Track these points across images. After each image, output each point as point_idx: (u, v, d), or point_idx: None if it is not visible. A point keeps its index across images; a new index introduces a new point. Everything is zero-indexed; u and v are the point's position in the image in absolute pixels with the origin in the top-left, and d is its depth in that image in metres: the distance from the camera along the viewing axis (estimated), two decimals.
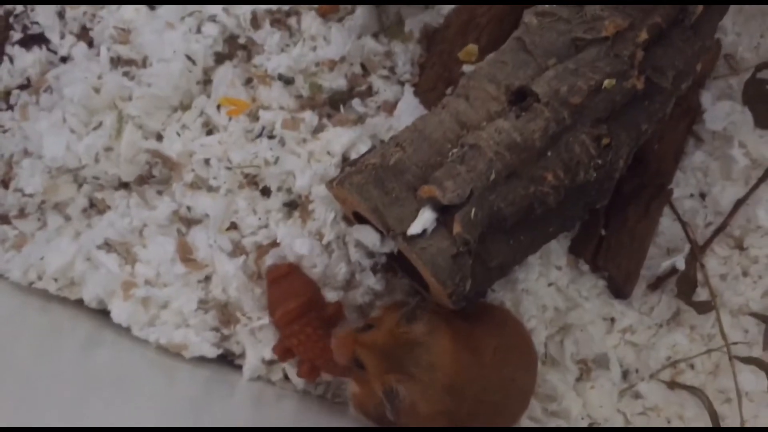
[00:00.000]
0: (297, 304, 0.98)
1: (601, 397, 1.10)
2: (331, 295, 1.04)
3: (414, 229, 0.87)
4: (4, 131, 1.18)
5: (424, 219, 0.87)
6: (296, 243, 1.03)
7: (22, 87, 1.19)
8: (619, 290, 1.10)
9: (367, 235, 0.99)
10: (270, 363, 1.05)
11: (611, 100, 0.90)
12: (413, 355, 0.89)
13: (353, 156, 1.06)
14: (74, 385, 0.94)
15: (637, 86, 0.90)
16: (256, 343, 1.04)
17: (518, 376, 0.99)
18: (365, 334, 0.92)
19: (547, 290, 1.10)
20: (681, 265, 1.08)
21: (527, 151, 0.87)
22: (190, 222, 1.08)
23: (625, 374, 1.12)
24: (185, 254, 1.05)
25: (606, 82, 0.90)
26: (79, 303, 1.10)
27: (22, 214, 1.14)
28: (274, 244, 1.05)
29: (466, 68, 1.09)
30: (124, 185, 1.12)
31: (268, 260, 1.04)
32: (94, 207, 1.13)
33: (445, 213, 0.87)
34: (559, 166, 0.88)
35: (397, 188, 0.88)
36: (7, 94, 1.19)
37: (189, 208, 1.07)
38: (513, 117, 0.89)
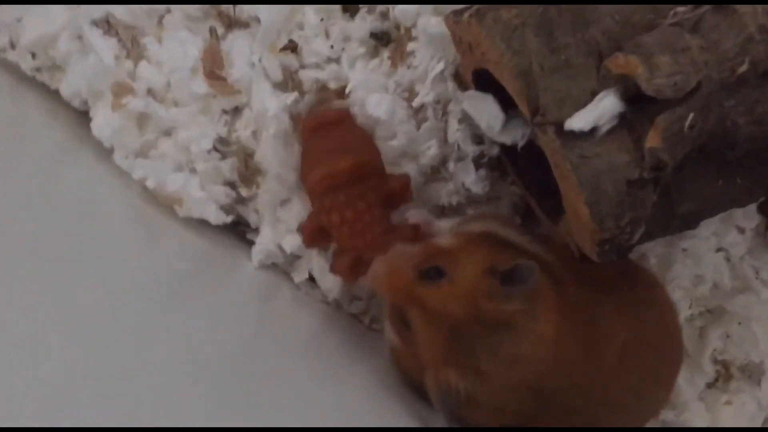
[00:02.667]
0: (350, 163, 0.65)
1: (737, 418, 0.80)
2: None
3: (579, 121, 0.53)
4: None
5: (602, 109, 0.52)
6: (371, 99, 0.68)
7: None
8: None
9: (486, 109, 0.64)
10: (293, 257, 0.73)
11: None
12: (491, 341, 0.58)
13: None
14: (32, 206, 0.67)
15: None
16: (277, 220, 0.72)
17: (647, 390, 0.66)
18: (430, 285, 0.59)
19: (713, 256, 0.77)
20: None
21: None
22: (231, 22, 0.74)
23: None
24: (213, 67, 0.72)
25: None
26: (60, 96, 0.78)
27: None
28: (343, 91, 0.70)
29: None
30: None
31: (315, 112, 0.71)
32: None
33: (638, 108, 0.52)
34: None
35: (573, 46, 0.53)
36: None
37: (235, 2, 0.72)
38: None
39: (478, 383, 0.58)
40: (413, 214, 0.68)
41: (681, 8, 0.53)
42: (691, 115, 0.51)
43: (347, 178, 0.65)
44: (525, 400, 0.59)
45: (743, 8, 0.50)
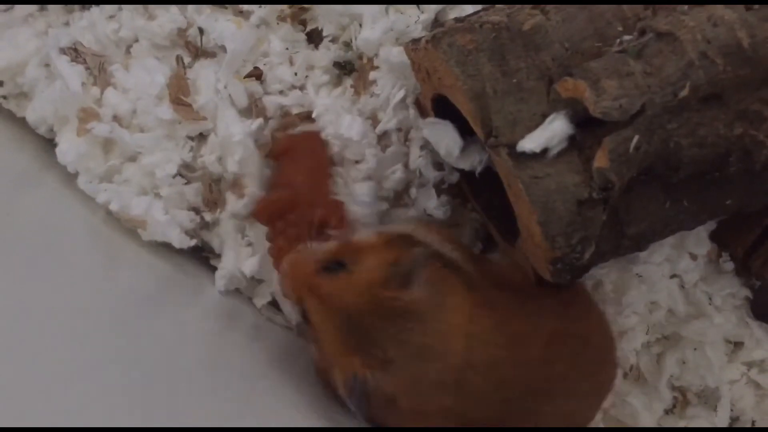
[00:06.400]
0: (274, 197, 0.69)
1: None
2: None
3: (530, 142, 0.54)
4: None
5: (552, 131, 0.54)
6: (344, 121, 0.70)
7: None
8: (766, 310, 0.76)
9: (445, 136, 0.66)
10: (255, 281, 0.74)
11: None
12: (396, 331, 0.57)
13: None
14: None
15: None
16: (241, 244, 0.72)
17: (575, 381, 0.66)
18: (328, 276, 0.60)
19: (667, 283, 0.78)
20: None
21: (754, 66, 0.53)
22: (197, 51, 0.76)
23: (733, 422, 0.82)
24: (179, 93, 0.73)
25: None
26: (26, 124, 0.79)
27: None
28: (308, 116, 0.72)
29: None
30: None
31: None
32: None
33: (587, 131, 0.54)
34: None
35: (525, 70, 0.55)
36: None
37: (201, 31, 0.75)
38: (741, 6, 0.54)
39: (388, 376, 0.57)
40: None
41: (627, 37, 0.56)
42: (637, 137, 0.53)
43: (274, 211, 0.67)
44: (445, 396, 0.59)
45: (685, 36, 0.53)
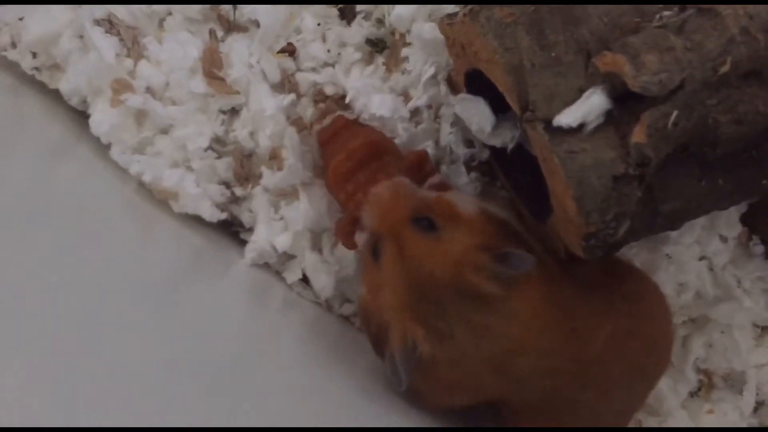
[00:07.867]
0: (360, 142, 0.67)
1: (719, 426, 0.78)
2: None
3: (567, 117, 0.54)
4: None
5: (589, 105, 0.54)
6: (374, 100, 0.70)
7: None
8: None
9: (477, 112, 0.66)
10: (286, 256, 0.74)
11: None
12: (464, 309, 0.57)
13: None
14: (30, 199, 0.68)
15: None
16: (274, 219, 0.72)
17: (632, 379, 0.67)
18: (417, 233, 0.58)
19: (696, 264, 0.77)
20: None
21: None
22: (230, 25, 0.76)
23: (758, 406, 0.81)
24: (212, 67, 0.73)
25: None
26: (59, 96, 0.79)
27: None
28: (341, 99, 0.72)
29: None
30: None
31: (327, 122, 0.72)
32: None
33: (625, 106, 0.53)
34: None
35: (563, 44, 0.54)
36: None
37: (234, 6, 0.74)
38: None
39: (442, 348, 0.57)
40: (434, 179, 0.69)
41: (667, 12, 0.55)
42: (675, 113, 0.52)
43: (361, 156, 0.66)
44: (487, 376, 0.59)
45: (726, 11, 0.53)
